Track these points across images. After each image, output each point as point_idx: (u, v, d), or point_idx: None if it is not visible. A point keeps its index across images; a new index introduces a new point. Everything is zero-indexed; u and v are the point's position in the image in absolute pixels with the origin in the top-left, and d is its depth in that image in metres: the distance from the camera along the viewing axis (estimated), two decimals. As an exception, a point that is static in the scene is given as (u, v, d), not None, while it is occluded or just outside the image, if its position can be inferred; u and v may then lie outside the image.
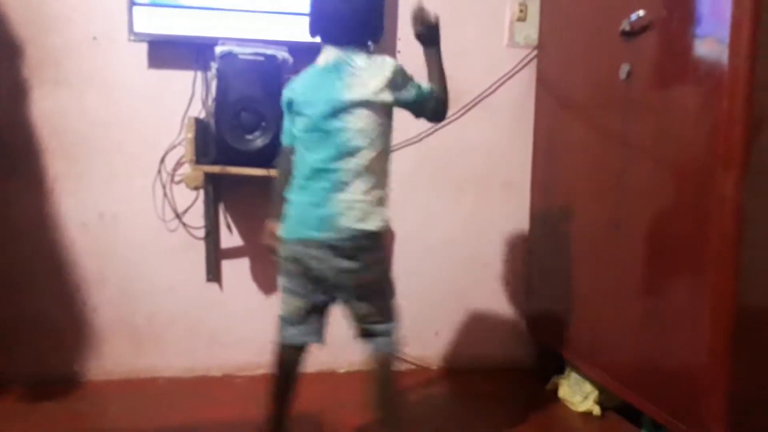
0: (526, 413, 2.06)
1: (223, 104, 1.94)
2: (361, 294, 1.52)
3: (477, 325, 2.43)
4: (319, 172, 1.46)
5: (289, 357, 1.57)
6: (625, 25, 1.71)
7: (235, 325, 2.28)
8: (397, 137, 2.27)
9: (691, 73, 1.51)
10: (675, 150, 1.56)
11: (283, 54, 2.00)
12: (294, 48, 2.06)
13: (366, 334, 1.56)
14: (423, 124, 2.30)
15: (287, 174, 1.54)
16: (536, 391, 2.23)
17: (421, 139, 2.32)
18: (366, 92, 1.45)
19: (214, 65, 1.99)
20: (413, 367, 2.38)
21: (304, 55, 2.13)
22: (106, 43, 2.12)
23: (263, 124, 1.94)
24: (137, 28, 2.02)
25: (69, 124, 2.13)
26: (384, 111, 1.50)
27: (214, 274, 2.24)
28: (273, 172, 1.97)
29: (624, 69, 1.73)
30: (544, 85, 2.24)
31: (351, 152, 1.45)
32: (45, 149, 2.12)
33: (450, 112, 2.29)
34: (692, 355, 1.49)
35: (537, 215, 2.32)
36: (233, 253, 2.27)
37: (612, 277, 1.81)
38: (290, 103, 1.53)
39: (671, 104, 1.58)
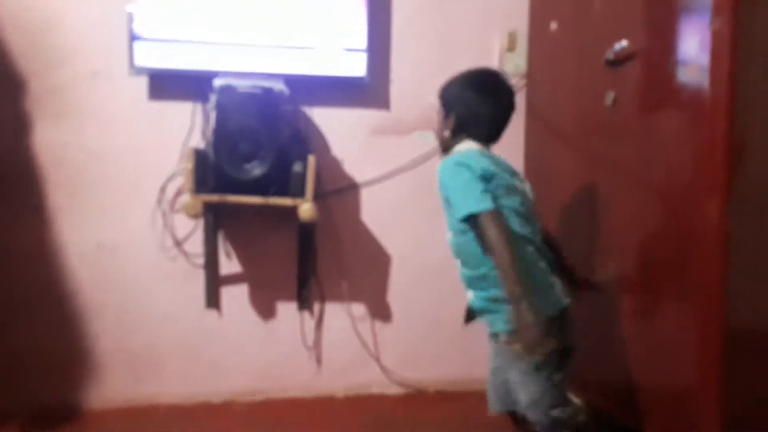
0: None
1: (221, 135, 1.99)
2: None
3: (475, 347, 2.44)
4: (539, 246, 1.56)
5: None
6: (610, 55, 1.77)
7: (234, 351, 2.30)
8: (392, 163, 2.36)
9: (673, 100, 1.56)
10: (660, 174, 1.61)
11: (279, 86, 2.05)
12: (290, 80, 2.12)
13: None
14: (416, 151, 2.36)
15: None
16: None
17: (416, 166, 2.37)
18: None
19: (213, 97, 2.03)
20: (410, 391, 2.40)
21: (300, 87, 2.20)
22: (107, 76, 2.17)
23: (260, 153, 1.98)
24: (138, 62, 2.08)
25: (70, 156, 2.17)
26: None
27: (213, 300, 2.26)
28: (271, 200, 2.02)
29: (609, 96, 1.78)
30: (533, 113, 2.30)
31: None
32: (46, 181, 2.16)
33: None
34: (683, 377, 1.51)
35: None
36: (232, 279, 2.30)
37: (601, 299, 1.84)
38: (493, 176, 1.55)
39: (655, 130, 1.63)
